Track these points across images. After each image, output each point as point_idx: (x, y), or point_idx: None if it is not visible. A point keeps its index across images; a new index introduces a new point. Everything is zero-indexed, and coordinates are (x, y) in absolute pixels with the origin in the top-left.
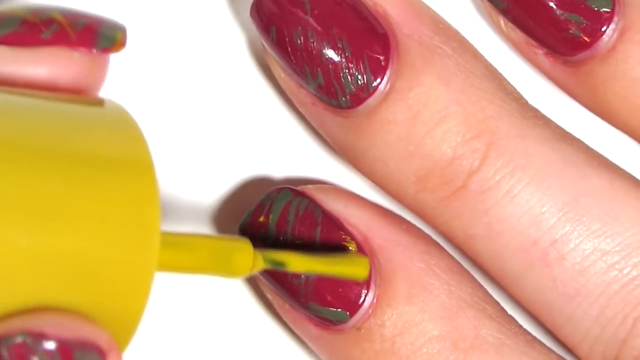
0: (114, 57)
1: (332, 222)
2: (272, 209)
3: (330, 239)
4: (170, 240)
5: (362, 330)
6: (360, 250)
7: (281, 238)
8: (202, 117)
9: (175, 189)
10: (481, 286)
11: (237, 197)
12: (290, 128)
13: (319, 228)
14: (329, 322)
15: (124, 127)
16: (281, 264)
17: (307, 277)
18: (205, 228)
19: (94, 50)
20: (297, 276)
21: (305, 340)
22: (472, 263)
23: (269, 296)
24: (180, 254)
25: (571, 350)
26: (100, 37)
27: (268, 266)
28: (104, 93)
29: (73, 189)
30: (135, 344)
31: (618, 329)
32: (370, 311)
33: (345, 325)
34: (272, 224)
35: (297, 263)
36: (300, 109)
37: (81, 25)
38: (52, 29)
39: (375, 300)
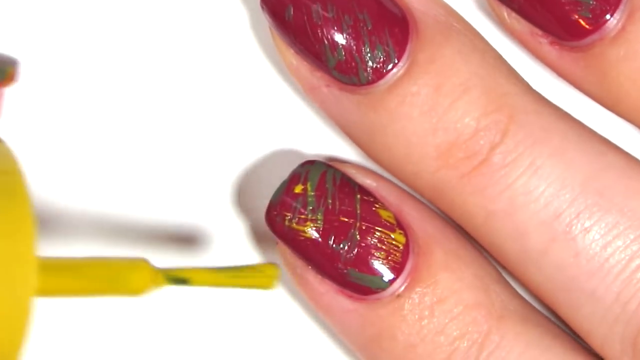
0: (122, 45)
1: (369, 192)
2: (309, 177)
3: (370, 205)
4: (56, 265)
5: (401, 297)
6: (397, 220)
7: (322, 205)
8: (202, 110)
9: (179, 184)
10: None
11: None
12: (298, 119)
13: (358, 195)
14: (367, 290)
15: None
16: (184, 281)
17: (350, 242)
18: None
19: None
20: (338, 242)
21: (330, 318)
22: (488, 255)
23: (298, 270)
24: (68, 277)
25: (586, 339)
26: None
27: (170, 283)
28: (119, 81)
29: None
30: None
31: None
32: (410, 279)
33: (384, 293)
34: (311, 191)
35: (201, 278)
36: (310, 96)
37: None
38: None
39: (415, 268)
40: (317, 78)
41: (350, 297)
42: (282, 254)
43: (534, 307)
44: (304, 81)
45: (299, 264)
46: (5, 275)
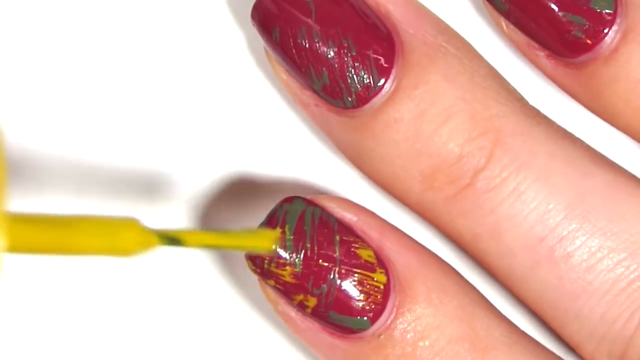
0: (114, 59)
1: (348, 229)
2: (288, 219)
3: (349, 247)
4: (39, 220)
5: (382, 337)
6: (378, 257)
7: (300, 250)
8: (198, 120)
9: (166, 192)
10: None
11: (231, 197)
12: (291, 130)
13: (337, 236)
14: (348, 331)
15: None
16: (177, 240)
17: (329, 286)
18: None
19: None
20: (317, 286)
21: (315, 350)
22: (477, 264)
23: (279, 307)
24: (53, 232)
25: (575, 350)
26: None
27: (163, 243)
28: (102, 92)
29: None
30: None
31: (625, 326)
32: (392, 317)
33: (366, 332)
34: (289, 235)
35: (194, 239)
36: (303, 111)
37: None
38: None
39: (396, 306)
40: (306, 96)
41: (332, 334)
42: (264, 289)
43: (520, 332)
44: (295, 97)
45: (281, 301)
46: None
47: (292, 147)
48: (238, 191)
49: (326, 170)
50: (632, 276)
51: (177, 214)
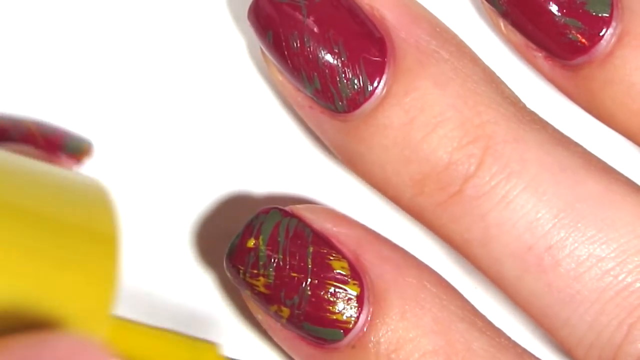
0: (114, 59)
1: (323, 241)
2: (262, 230)
3: (323, 258)
4: (131, 328)
5: (356, 348)
6: (352, 268)
7: (272, 260)
8: (197, 124)
9: (156, 207)
10: (468, 301)
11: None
12: (290, 132)
13: (311, 248)
14: (323, 341)
15: (101, 206)
16: None
17: (301, 297)
18: (185, 249)
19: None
20: (289, 297)
21: (296, 358)
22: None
23: (259, 317)
24: (140, 343)
25: (568, 354)
26: (67, 145)
27: None
28: (99, 93)
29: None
30: None
31: (613, 334)
32: (365, 329)
33: (340, 343)
34: (263, 245)
35: None
36: (299, 112)
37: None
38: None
39: (369, 318)
40: (301, 98)
41: (309, 344)
42: (245, 298)
43: (504, 344)
44: (291, 98)
45: (260, 310)
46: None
47: (289, 150)
48: (235, 195)
49: (322, 174)
50: (620, 286)
51: (175, 215)
